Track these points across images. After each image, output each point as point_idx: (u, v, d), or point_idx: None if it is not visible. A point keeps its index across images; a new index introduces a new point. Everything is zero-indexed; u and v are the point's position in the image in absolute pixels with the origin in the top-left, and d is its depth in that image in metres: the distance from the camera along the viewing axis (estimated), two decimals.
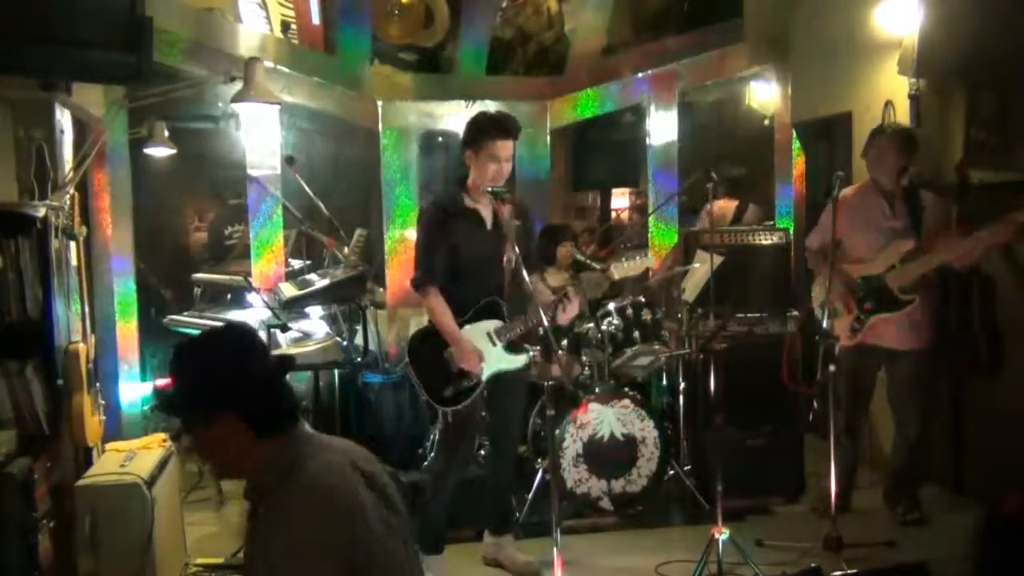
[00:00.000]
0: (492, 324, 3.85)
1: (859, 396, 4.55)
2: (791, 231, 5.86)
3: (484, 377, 3.82)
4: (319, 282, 5.12)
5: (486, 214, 3.90)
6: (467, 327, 3.81)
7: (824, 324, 4.12)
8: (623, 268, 3.92)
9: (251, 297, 5.21)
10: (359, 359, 5.18)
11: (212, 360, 2.05)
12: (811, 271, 4.73)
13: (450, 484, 3.96)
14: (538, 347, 4.43)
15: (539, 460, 4.76)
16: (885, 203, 4.38)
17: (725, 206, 6.82)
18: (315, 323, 5.46)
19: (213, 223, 6.98)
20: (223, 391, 2.00)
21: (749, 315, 5.25)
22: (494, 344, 3.84)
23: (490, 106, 5.90)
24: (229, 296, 5.91)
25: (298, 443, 2.03)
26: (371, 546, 1.92)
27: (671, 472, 4.77)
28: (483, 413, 3.99)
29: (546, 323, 3.44)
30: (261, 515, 2.00)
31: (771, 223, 6.22)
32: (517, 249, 3.54)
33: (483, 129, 3.81)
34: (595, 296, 5.04)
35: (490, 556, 4.13)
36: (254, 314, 5.38)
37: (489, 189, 3.74)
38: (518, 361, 3.94)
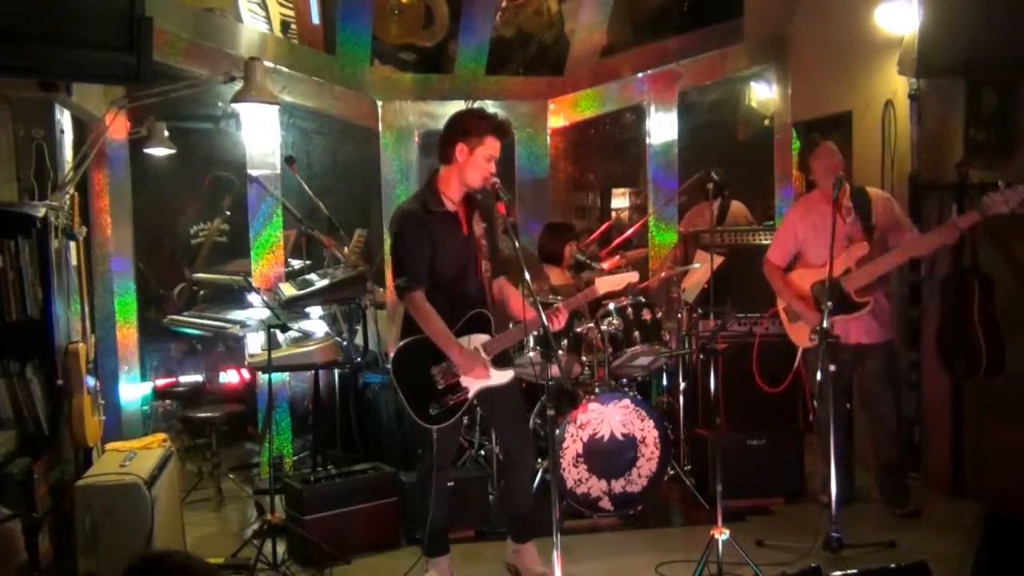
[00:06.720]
0: (480, 338, 3.65)
1: (837, 393, 4.54)
2: None
3: (471, 394, 3.65)
4: (319, 282, 5.12)
5: (461, 217, 3.69)
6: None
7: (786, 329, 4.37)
8: (607, 283, 3.78)
9: (251, 297, 5.21)
10: (359, 359, 5.18)
11: None
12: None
13: (438, 484, 3.73)
14: (537, 347, 4.42)
15: (539, 460, 4.75)
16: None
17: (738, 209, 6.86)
18: (315, 323, 5.47)
19: (181, 224, 6.92)
20: None
21: (749, 315, 5.27)
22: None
23: (490, 106, 5.90)
24: (201, 293, 5.89)
25: None
26: None
27: (671, 472, 4.77)
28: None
29: (532, 337, 3.27)
30: None
31: (771, 223, 6.22)
32: (520, 250, 3.33)
33: (487, 125, 3.58)
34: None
35: (510, 563, 4.00)
36: (254, 314, 5.39)
37: (496, 188, 3.50)
38: (506, 376, 3.74)
